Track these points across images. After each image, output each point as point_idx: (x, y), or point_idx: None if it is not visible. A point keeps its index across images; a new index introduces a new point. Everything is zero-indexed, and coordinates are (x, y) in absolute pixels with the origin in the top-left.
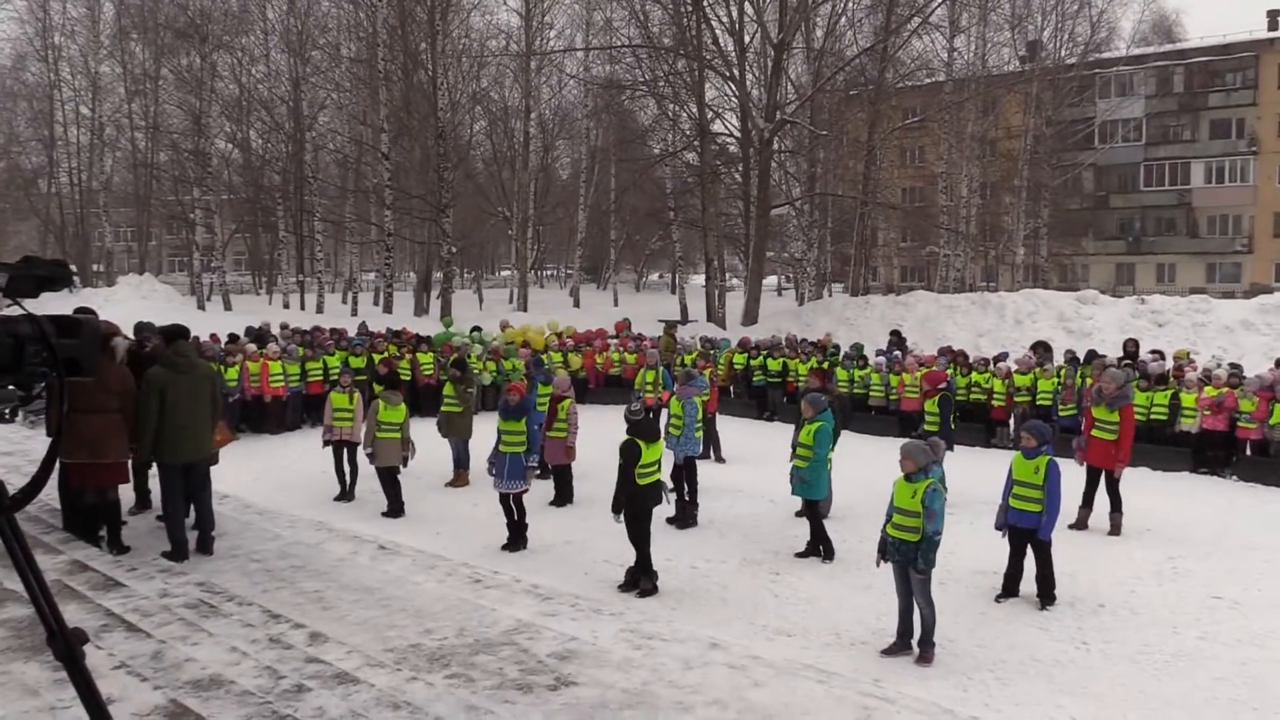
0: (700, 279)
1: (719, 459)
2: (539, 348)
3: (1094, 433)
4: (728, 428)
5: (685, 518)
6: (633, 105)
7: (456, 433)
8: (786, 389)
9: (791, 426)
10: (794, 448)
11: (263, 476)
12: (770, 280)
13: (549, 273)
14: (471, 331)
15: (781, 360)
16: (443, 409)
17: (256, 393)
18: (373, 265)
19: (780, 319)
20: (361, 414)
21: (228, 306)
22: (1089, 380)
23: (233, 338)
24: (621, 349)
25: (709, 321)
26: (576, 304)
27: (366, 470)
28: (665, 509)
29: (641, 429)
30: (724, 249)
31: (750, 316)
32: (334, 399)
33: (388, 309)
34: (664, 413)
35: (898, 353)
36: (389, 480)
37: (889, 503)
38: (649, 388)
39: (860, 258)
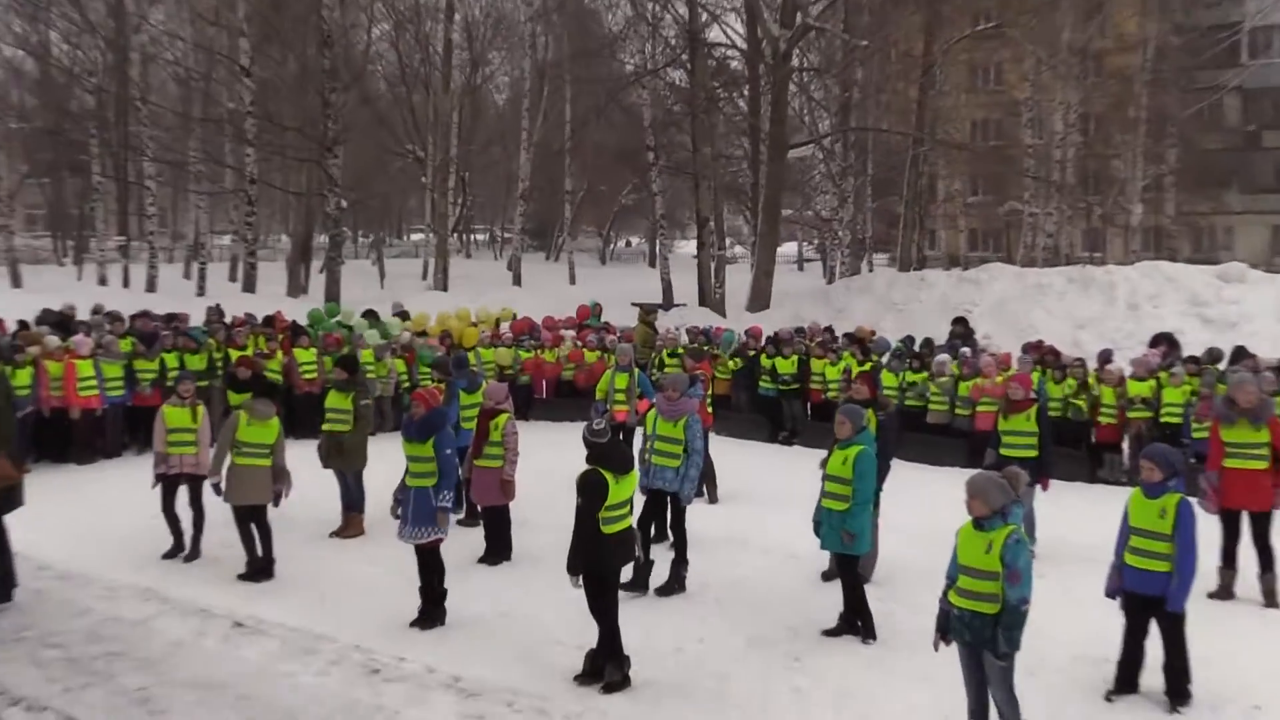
0: (690, 247)
1: (712, 498)
2: (464, 342)
3: (1229, 463)
4: (727, 453)
5: (671, 581)
6: (596, 2)
7: (345, 461)
8: (809, 399)
9: (818, 452)
10: (823, 482)
11: (66, 525)
12: (788, 249)
13: (478, 236)
14: (363, 317)
15: (797, 357)
16: (325, 427)
17: (58, 404)
18: (228, 225)
19: (801, 302)
20: (209, 436)
21: (16, 282)
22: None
23: (23, 326)
24: (580, 344)
25: (703, 306)
26: (517, 281)
27: (218, 513)
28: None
29: (608, 456)
30: (723, 205)
31: (760, 299)
32: (168, 415)
33: (250, 287)
34: (638, 433)
35: (965, 349)
36: (252, 527)
37: (952, 560)
38: (619, 398)
39: (913, 218)
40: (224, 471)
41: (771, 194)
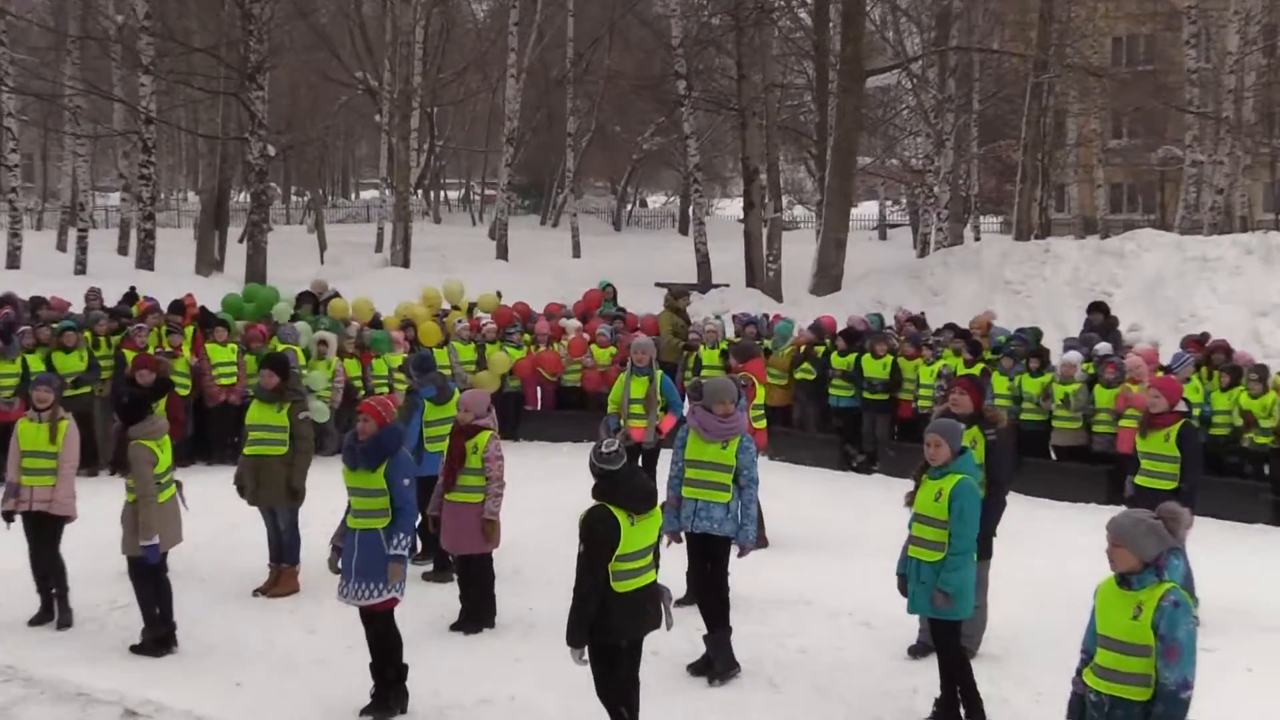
0: (734, 207)
1: (759, 542)
2: (428, 339)
3: None
4: (783, 483)
5: (720, 655)
6: None
7: (275, 494)
8: (897, 414)
9: (904, 483)
10: (911, 524)
11: None
12: (865, 210)
13: (451, 195)
14: (299, 306)
15: (890, 358)
16: (249, 450)
17: None
18: (116, 180)
19: (885, 281)
20: (74, 462)
21: None
22: None
23: None
24: (588, 337)
25: (751, 287)
26: (503, 253)
27: (95, 564)
28: (668, 636)
29: (621, 488)
30: (779, 151)
31: (828, 277)
32: (23, 432)
33: (146, 261)
34: (664, 456)
35: (1103, 345)
36: (148, 581)
37: (1088, 628)
38: (635, 410)
39: (1034, 169)
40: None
41: (844, 137)
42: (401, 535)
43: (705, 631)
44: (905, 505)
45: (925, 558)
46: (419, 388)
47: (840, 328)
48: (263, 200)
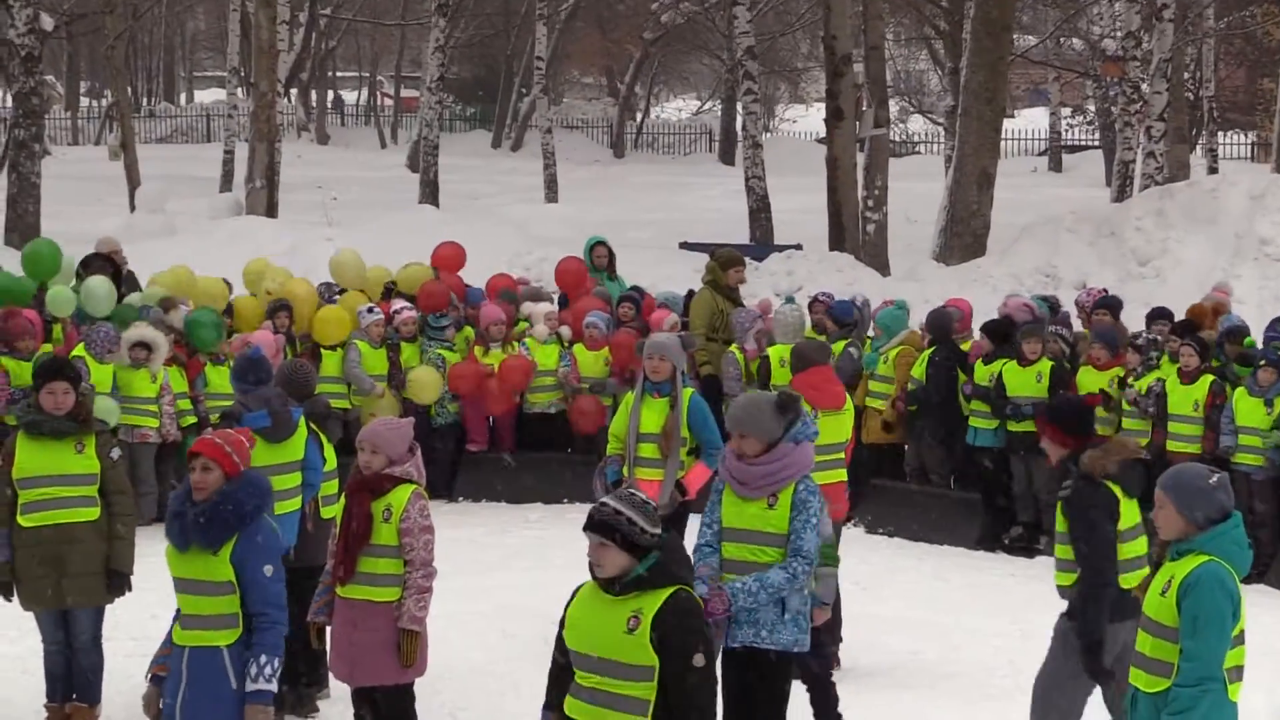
0: (809, 120)
1: (823, 667)
2: (317, 334)
3: None
4: (879, 573)
5: None
6: None
7: (77, 588)
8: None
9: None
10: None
11: None
12: (1026, 124)
13: (345, 96)
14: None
15: (1049, 364)
16: (25, 519)
17: None
18: None
19: (1060, 241)
20: None
21: None
22: None
23: None
24: (567, 335)
25: (839, 250)
26: (431, 194)
27: None
28: None
29: (687, 562)
30: (884, 29)
31: (966, 234)
32: None
33: None
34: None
35: None
36: None
37: None
38: (648, 454)
39: None
40: None
41: (990, 6)
42: (263, 658)
43: None
44: (1135, 593)
45: (1144, 686)
46: (241, 410)
47: (984, 319)
48: (33, 106)
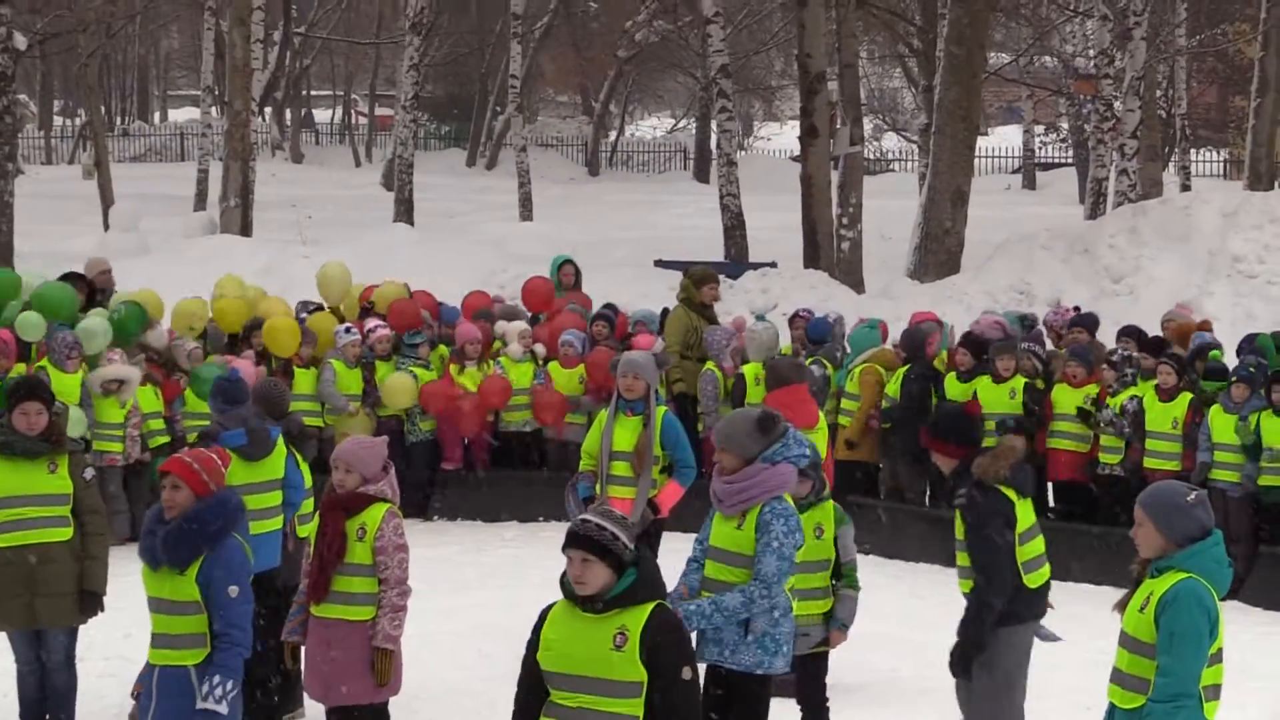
0: (784, 137)
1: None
2: (281, 347)
3: None
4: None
5: None
6: None
7: (49, 608)
8: (1046, 472)
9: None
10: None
11: None
12: (1000, 141)
13: (320, 114)
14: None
15: (1022, 381)
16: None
17: None
18: None
19: (1033, 258)
20: None
21: None
22: None
23: None
24: (539, 352)
25: (813, 268)
26: (405, 212)
27: None
28: None
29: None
30: (857, 44)
31: (940, 251)
32: None
33: None
34: (669, 546)
35: None
36: None
37: None
38: (620, 472)
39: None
40: None
41: (966, 19)
42: (216, 679)
43: None
44: (1115, 609)
45: (1120, 702)
46: (218, 430)
47: (962, 337)
48: (5, 125)
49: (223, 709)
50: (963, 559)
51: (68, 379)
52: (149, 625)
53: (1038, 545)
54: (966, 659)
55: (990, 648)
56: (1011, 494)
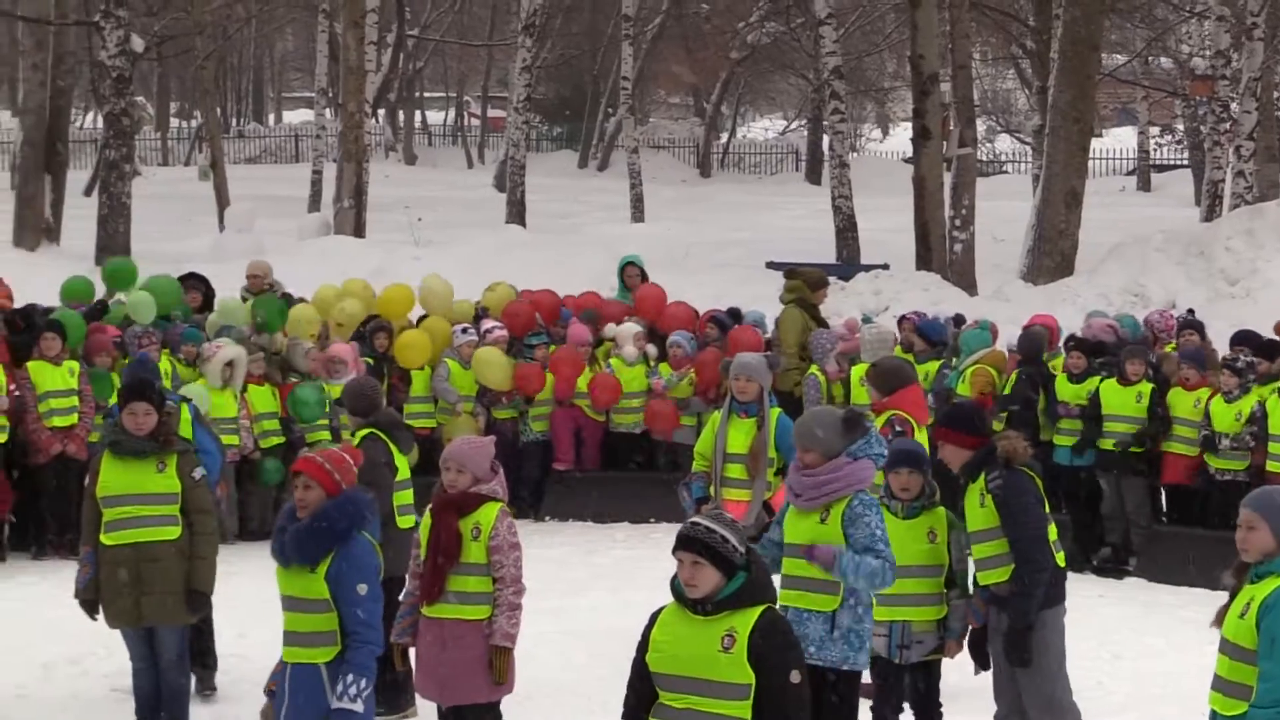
0: (896, 140)
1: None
2: (411, 356)
3: None
4: None
5: None
6: None
7: (157, 606)
8: (1164, 477)
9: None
10: (1219, 658)
11: None
12: (1114, 143)
13: (433, 116)
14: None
15: (1145, 386)
16: (107, 538)
17: None
18: None
19: (1148, 260)
20: None
21: None
22: None
23: None
24: (650, 353)
25: (927, 270)
26: (518, 214)
27: None
28: None
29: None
30: (970, 48)
31: (1054, 253)
32: None
33: None
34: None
35: None
36: None
37: None
38: (735, 475)
39: None
40: None
41: (1081, 21)
42: (349, 678)
43: None
44: (1213, 624)
45: (1222, 709)
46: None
47: (1070, 336)
48: (124, 127)
49: (358, 707)
50: (980, 550)
51: (182, 370)
52: (265, 623)
53: (1053, 529)
54: (1024, 643)
55: (1038, 631)
56: (1035, 475)
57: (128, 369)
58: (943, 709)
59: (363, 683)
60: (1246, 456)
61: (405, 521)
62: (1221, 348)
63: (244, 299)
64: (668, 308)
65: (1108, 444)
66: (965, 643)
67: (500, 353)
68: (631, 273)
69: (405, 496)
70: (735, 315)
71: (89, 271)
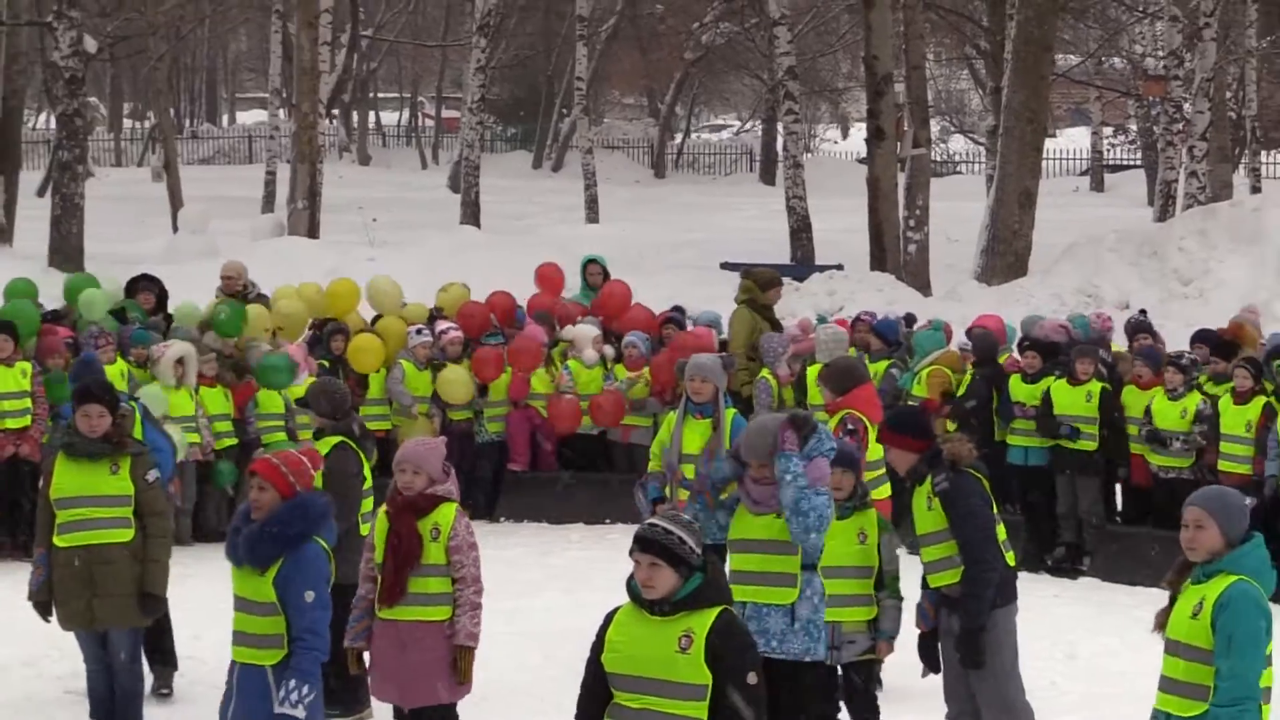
0: (850, 140)
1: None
2: (364, 360)
3: None
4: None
5: None
6: None
7: (110, 609)
8: (1116, 476)
9: (1130, 595)
10: (1164, 658)
11: None
12: (1067, 144)
13: (387, 117)
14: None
15: (1099, 386)
16: (60, 540)
17: None
18: None
19: (1101, 261)
20: None
21: None
22: None
23: None
24: (605, 356)
25: (881, 270)
26: (473, 214)
27: None
28: None
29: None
30: (924, 48)
31: (1007, 254)
32: None
33: None
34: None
35: None
36: None
37: None
38: (692, 474)
39: None
40: None
41: (1034, 21)
42: (292, 683)
43: None
44: (1155, 629)
45: (1177, 711)
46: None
47: (1023, 336)
48: (77, 127)
49: (300, 713)
50: (930, 553)
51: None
52: (220, 625)
53: (1002, 529)
54: (976, 644)
55: (990, 632)
56: (981, 476)
57: (74, 370)
58: (879, 714)
59: (305, 689)
60: (1192, 454)
61: (367, 529)
62: (1176, 348)
63: (218, 300)
64: (627, 310)
65: (1065, 443)
66: (917, 645)
67: (465, 370)
68: (594, 270)
69: (367, 504)
70: (680, 313)
71: (41, 272)
